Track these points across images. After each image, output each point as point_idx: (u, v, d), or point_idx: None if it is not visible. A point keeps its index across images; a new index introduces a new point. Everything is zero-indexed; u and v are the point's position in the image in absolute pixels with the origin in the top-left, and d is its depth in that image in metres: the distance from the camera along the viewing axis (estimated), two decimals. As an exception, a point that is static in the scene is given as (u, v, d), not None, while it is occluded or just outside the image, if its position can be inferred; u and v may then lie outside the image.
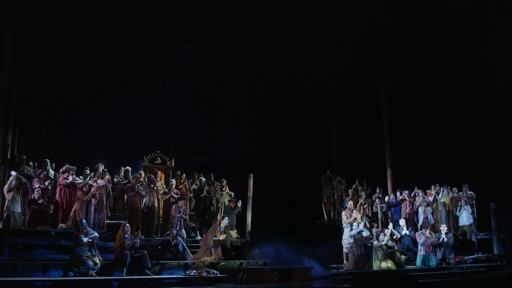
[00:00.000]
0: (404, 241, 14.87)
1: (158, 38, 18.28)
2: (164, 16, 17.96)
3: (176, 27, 18.32)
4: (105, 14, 16.90)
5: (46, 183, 13.42)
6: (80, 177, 13.50)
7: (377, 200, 16.50)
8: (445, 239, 14.50)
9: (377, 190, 17.34)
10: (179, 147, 19.42)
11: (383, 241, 13.92)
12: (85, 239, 11.03)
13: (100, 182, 13.61)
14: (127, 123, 19.05)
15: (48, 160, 13.97)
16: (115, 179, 15.45)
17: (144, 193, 13.72)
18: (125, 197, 13.97)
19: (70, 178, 13.15)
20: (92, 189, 12.94)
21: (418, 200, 16.33)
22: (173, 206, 13.97)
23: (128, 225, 12.00)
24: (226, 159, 20.17)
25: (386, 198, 16.66)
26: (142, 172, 15.25)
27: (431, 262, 13.98)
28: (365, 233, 13.97)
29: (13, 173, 12.63)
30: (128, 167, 15.54)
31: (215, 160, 19.86)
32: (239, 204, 14.81)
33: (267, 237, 15.79)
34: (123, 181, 15.20)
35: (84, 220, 11.60)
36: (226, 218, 13.69)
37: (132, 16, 17.55)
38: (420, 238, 14.22)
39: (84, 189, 12.82)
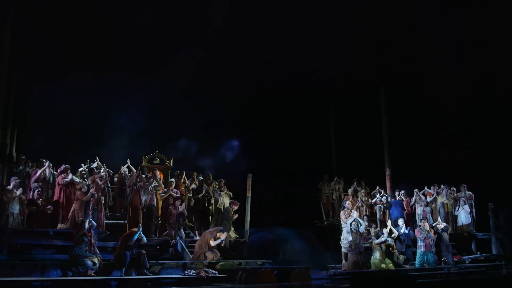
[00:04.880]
0: (403, 240, 14.89)
1: (156, 39, 18.29)
2: (163, 17, 17.97)
3: (175, 27, 18.32)
4: (105, 12, 16.90)
5: (47, 172, 13.46)
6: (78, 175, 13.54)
7: (378, 195, 16.54)
8: (439, 230, 14.62)
9: (377, 190, 17.35)
10: (178, 147, 19.40)
11: (383, 237, 13.95)
12: (86, 224, 11.06)
13: (100, 182, 13.59)
14: (127, 123, 19.04)
15: (44, 160, 14.01)
16: (115, 179, 15.47)
17: (146, 183, 13.73)
18: (126, 193, 13.99)
19: (70, 176, 13.16)
20: (91, 190, 12.93)
21: (417, 200, 16.35)
22: (170, 207, 14.00)
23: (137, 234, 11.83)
24: (226, 159, 20.17)
25: (384, 198, 16.66)
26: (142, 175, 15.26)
27: (431, 259, 13.98)
28: (362, 227, 13.98)
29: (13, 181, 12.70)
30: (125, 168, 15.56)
31: (214, 160, 19.85)
32: (235, 216, 14.85)
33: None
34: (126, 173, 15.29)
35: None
36: (225, 233, 13.39)
37: (131, 16, 17.56)
38: (420, 234, 14.23)
39: (83, 189, 12.81)
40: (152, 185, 14.17)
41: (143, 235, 11.71)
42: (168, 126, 19.88)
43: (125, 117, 18.93)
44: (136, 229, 11.74)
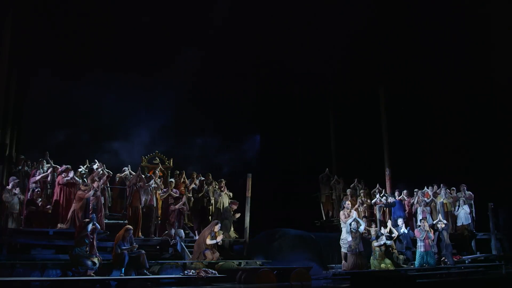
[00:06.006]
0: (403, 240, 14.89)
1: (157, 39, 18.30)
2: (163, 16, 17.98)
3: (176, 27, 18.33)
4: (105, 11, 16.91)
5: (50, 170, 13.45)
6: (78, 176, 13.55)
7: (378, 195, 16.50)
8: (440, 228, 14.63)
9: (377, 190, 17.34)
10: (177, 146, 19.43)
11: (382, 240, 13.94)
12: (90, 227, 11.06)
13: (101, 181, 13.59)
14: (127, 123, 19.07)
15: (44, 161, 14.03)
16: (117, 179, 15.46)
17: (146, 183, 13.72)
18: (126, 193, 14.00)
19: (71, 174, 13.16)
20: (93, 188, 12.92)
21: (417, 200, 16.34)
22: (171, 206, 14.02)
23: (131, 230, 11.87)
24: (225, 159, 20.20)
25: (384, 198, 16.63)
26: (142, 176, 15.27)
27: (430, 260, 13.98)
28: (362, 227, 13.99)
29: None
30: (125, 168, 15.58)
31: (214, 160, 19.88)
32: (237, 215, 14.84)
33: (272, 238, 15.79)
34: (122, 174, 15.29)
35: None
36: (219, 224, 13.59)
37: (132, 15, 17.56)
38: (420, 234, 14.22)
39: (86, 191, 12.79)
40: (152, 185, 14.17)
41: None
42: (174, 126, 19.94)
43: (134, 117, 19.14)
44: (129, 226, 11.85)
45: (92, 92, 18.67)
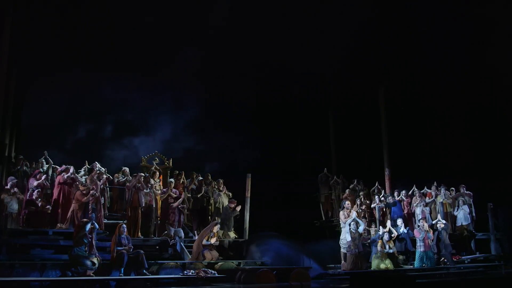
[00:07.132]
0: (402, 237, 14.88)
1: (157, 38, 18.30)
2: (165, 16, 18.00)
3: (176, 27, 18.33)
4: (105, 10, 16.93)
5: (43, 177, 13.46)
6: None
7: (377, 197, 16.50)
8: (440, 228, 14.62)
9: (376, 190, 17.31)
10: (177, 147, 19.43)
11: (390, 250, 13.94)
12: (88, 226, 11.06)
13: (99, 183, 13.58)
14: (126, 123, 19.09)
15: (44, 160, 14.04)
16: (115, 179, 15.45)
17: (144, 189, 13.72)
18: (126, 195, 14.00)
19: (72, 170, 13.15)
20: (92, 191, 12.91)
21: (416, 200, 16.33)
22: (171, 205, 14.03)
23: (124, 225, 11.98)
24: (225, 159, 20.19)
25: (383, 199, 16.62)
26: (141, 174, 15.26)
27: (430, 259, 13.97)
28: (361, 228, 13.99)
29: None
30: (125, 168, 15.58)
31: (213, 160, 19.87)
32: (238, 208, 14.79)
33: (267, 236, 15.72)
34: (123, 179, 15.25)
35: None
36: (218, 225, 13.61)
37: (132, 14, 17.58)
38: (419, 234, 14.22)
39: (85, 192, 12.79)
40: (148, 190, 14.13)
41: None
42: (175, 126, 19.97)
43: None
44: (121, 223, 11.94)
45: (93, 91, 18.68)
